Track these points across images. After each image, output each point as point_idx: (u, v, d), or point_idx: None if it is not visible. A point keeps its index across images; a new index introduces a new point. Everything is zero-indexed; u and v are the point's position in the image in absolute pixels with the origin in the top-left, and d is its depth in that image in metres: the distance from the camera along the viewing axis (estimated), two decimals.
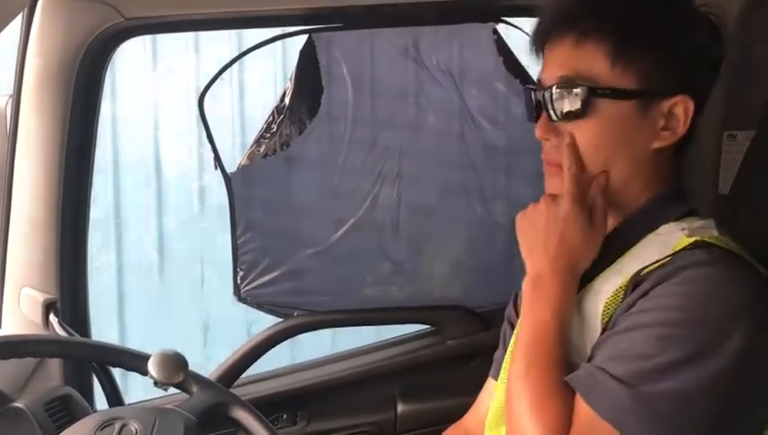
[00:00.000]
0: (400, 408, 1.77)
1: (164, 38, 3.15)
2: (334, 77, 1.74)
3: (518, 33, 1.64)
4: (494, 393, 1.13)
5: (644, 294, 0.87)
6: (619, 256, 0.95)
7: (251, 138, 1.78)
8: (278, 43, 1.73)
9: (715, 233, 0.91)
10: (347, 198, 1.80)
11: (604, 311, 0.91)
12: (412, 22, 1.72)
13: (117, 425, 1.06)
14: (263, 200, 1.80)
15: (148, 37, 3.03)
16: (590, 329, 0.93)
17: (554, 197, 0.97)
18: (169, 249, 3.39)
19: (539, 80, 0.99)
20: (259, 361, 1.78)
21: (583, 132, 0.94)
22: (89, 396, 1.64)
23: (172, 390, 1.19)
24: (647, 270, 0.89)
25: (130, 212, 3.35)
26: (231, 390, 1.35)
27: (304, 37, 1.70)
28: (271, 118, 1.75)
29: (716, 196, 1.32)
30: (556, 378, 0.89)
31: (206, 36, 3.14)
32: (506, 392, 0.94)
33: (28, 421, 1.25)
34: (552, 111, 0.95)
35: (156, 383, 1.16)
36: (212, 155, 1.71)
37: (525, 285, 0.97)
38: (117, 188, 3.31)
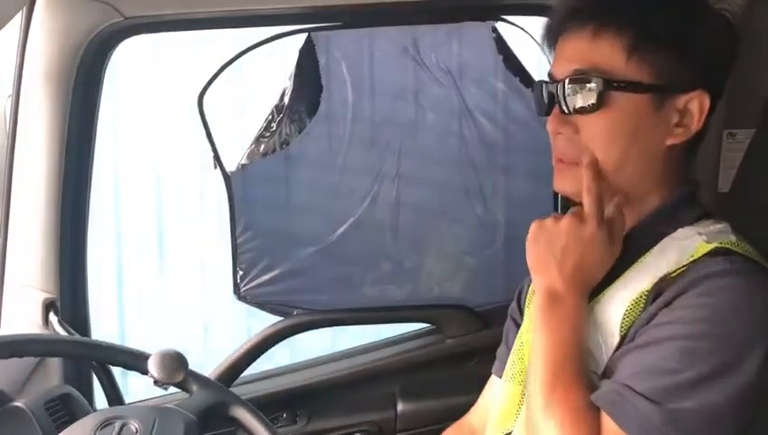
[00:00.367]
0: (400, 407, 1.77)
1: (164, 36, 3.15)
2: (334, 76, 1.74)
3: (517, 32, 1.64)
4: (498, 392, 1.13)
5: (665, 305, 0.85)
6: (635, 260, 0.94)
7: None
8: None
9: (733, 238, 0.91)
10: (346, 196, 1.80)
11: (623, 320, 0.90)
12: (411, 20, 1.72)
13: (117, 424, 1.06)
14: (262, 199, 1.80)
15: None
16: (607, 338, 0.91)
17: (580, 215, 0.94)
18: (169, 249, 3.39)
19: (550, 73, 0.98)
20: (259, 360, 1.78)
21: (597, 126, 0.93)
22: (89, 395, 1.64)
23: (172, 389, 1.19)
24: (667, 279, 0.88)
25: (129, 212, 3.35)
26: (231, 389, 1.35)
27: (304, 36, 1.70)
28: (270, 117, 1.75)
29: (716, 194, 1.32)
30: (582, 397, 0.87)
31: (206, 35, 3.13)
32: (528, 414, 0.92)
33: (28, 421, 1.25)
34: (565, 105, 0.94)
35: (156, 383, 1.16)
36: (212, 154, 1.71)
37: (539, 300, 0.95)
38: (117, 188, 3.31)
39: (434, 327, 1.84)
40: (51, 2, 1.49)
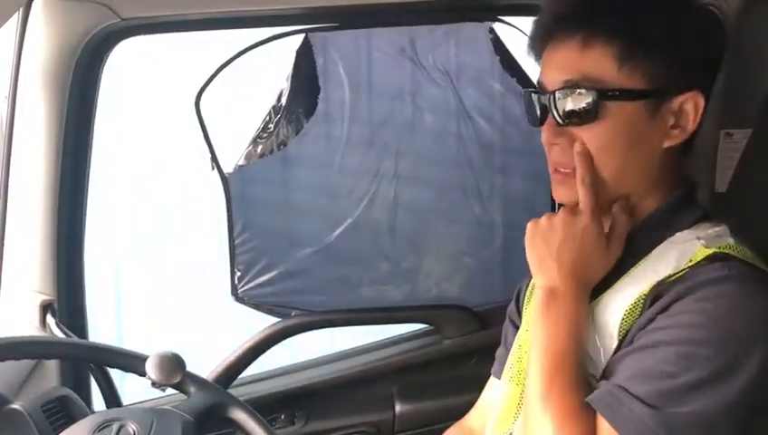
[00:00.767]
0: (398, 407, 1.77)
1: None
2: (331, 77, 1.74)
3: (514, 32, 1.64)
4: (497, 393, 1.13)
5: (663, 310, 0.85)
6: (634, 264, 0.93)
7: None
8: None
9: (732, 241, 0.90)
10: (344, 197, 1.80)
11: (622, 323, 0.89)
12: (409, 21, 1.72)
13: (114, 426, 1.06)
14: (260, 200, 1.80)
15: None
16: (605, 340, 0.91)
17: (573, 210, 0.95)
18: (166, 251, 3.38)
19: (540, 83, 0.97)
20: (257, 361, 1.78)
21: (593, 136, 0.92)
22: (86, 397, 1.64)
23: (170, 390, 1.19)
24: (665, 283, 0.87)
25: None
26: (229, 390, 1.35)
27: (301, 37, 1.70)
28: (268, 118, 1.75)
29: (713, 194, 1.32)
30: (578, 398, 0.87)
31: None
32: (525, 411, 0.92)
33: (25, 423, 1.25)
34: (558, 116, 0.93)
35: (153, 384, 1.16)
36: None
37: (538, 298, 0.95)
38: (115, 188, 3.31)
39: (432, 328, 1.84)
40: (47, 3, 1.49)
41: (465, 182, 1.81)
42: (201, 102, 1.67)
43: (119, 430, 1.06)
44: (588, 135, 0.92)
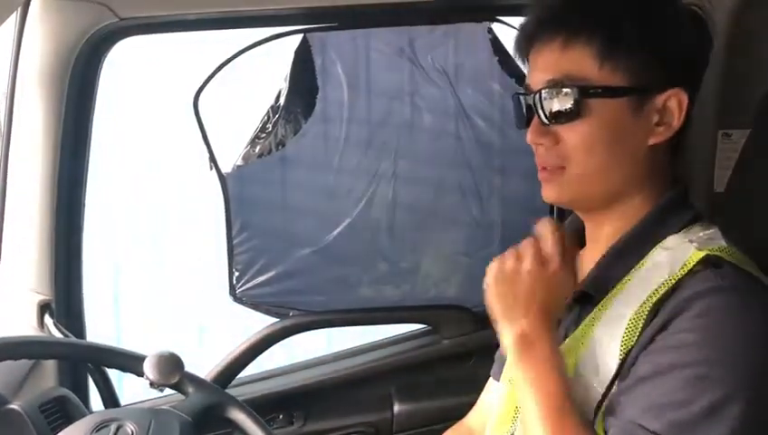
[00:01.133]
0: (397, 407, 1.77)
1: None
2: (329, 77, 1.74)
3: (513, 33, 1.63)
4: (496, 395, 1.13)
5: (662, 328, 0.84)
6: (627, 274, 0.93)
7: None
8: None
9: (724, 243, 0.90)
10: (342, 197, 1.80)
11: (623, 343, 0.87)
12: (407, 21, 1.72)
13: (112, 426, 1.06)
14: (258, 200, 1.79)
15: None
16: (607, 359, 0.89)
17: (540, 257, 0.97)
18: (165, 251, 3.38)
19: (526, 85, 0.98)
20: (255, 361, 1.78)
21: (577, 134, 0.92)
22: (84, 397, 1.63)
23: (168, 390, 1.19)
24: (661, 294, 0.86)
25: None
26: (227, 390, 1.35)
27: (300, 37, 1.70)
28: (266, 118, 1.75)
29: (712, 194, 1.32)
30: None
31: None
32: None
33: (23, 423, 1.25)
34: (543, 115, 0.94)
35: (151, 384, 1.16)
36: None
37: (512, 350, 0.93)
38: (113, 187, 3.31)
39: (431, 328, 1.84)
40: (46, 2, 1.49)
41: (463, 182, 1.81)
42: (199, 102, 1.67)
43: (117, 430, 1.06)
44: (572, 133, 0.93)
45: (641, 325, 0.86)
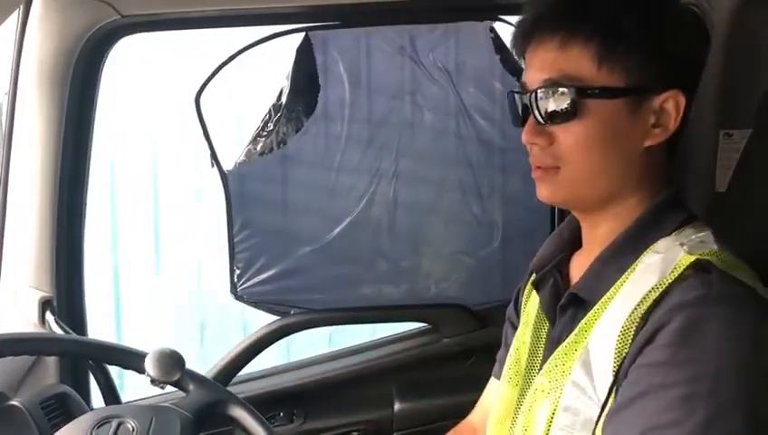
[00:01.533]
0: (397, 406, 1.77)
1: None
2: (331, 75, 1.74)
3: None
4: (496, 394, 1.13)
5: (649, 340, 0.83)
6: (619, 278, 0.92)
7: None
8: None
9: (715, 247, 0.89)
10: (343, 196, 1.80)
11: (616, 354, 0.87)
12: (409, 20, 1.72)
13: (113, 423, 1.06)
14: (259, 198, 1.80)
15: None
16: (601, 369, 0.88)
17: None
18: (166, 248, 3.38)
19: (522, 83, 0.97)
20: (256, 359, 1.78)
21: (573, 134, 0.92)
22: (85, 394, 1.64)
23: (169, 388, 1.19)
24: (650, 301, 0.85)
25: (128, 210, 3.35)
26: (228, 388, 1.35)
27: (301, 35, 1.70)
28: (267, 116, 1.75)
29: (713, 194, 1.32)
30: None
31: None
32: None
33: (24, 420, 1.25)
34: (539, 115, 0.93)
35: (152, 381, 1.16)
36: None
37: None
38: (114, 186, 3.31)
39: (431, 327, 1.84)
40: (48, 0, 1.49)
41: (464, 181, 1.81)
42: (201, 100, 1.67)
43: (117, 426, 1.06)
44: (567, 134, 0.92)
45: (633, 333, 0.85)
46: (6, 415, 1.26)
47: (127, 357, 1.21)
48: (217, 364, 1.76)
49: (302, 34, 1.70)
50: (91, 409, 1.51)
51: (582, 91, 0.90)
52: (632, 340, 0.85)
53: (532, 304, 1.10)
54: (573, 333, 0.93)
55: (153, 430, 1.06)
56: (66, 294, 1.64)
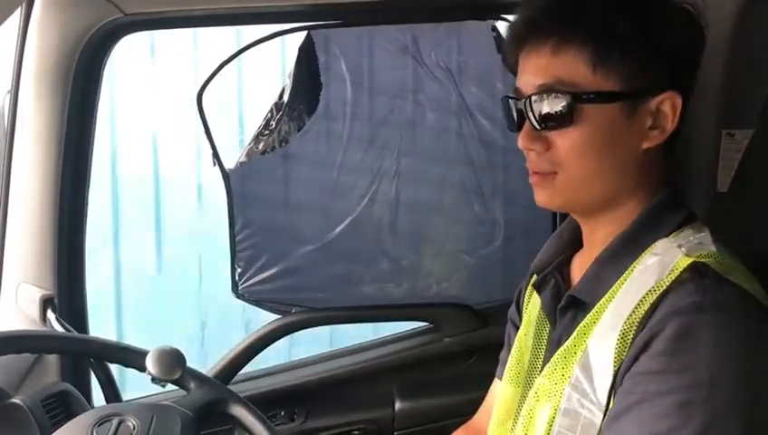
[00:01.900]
0: (398, 405, 1.77)
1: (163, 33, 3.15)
2: (333, 74, 1.74)
3: None
4: (497, 394, 1.12)
5: (645, 347, 0.83)
6: (618, 278, 0.92)
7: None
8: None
9: (713, 249, 0.89)
10: (345, 194, 1.80)
11: (615, 357, 0.86)
12: (411, 19, 1.72)
13: (114, 421, 1.06)
14: (261, 197, 1.80)
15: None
16: (600, 373, 0.88)
17: None
18: (167, 247, 3.38)
19: (517, 88, 0.96)
20: (257, 357, 1.78)
21: (569, 140, 0.91)
22: (86, 392, 1.63)
23: (170, 386, 1.19)
24: (647, 304, 0.85)
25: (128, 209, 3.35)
26: (229, 386, 1.35)
27: (303, 34, 1.70)
28: (269, 115, 1.75)
29: (715, 194, 1.32)
30: None
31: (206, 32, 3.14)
32: None
33: (25, 418, 1.25)
34: (534, 120, 0.92)
35: (153, 379, 1.16)
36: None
37: None
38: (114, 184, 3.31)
39: (432, 326, 1.84)
40: None
41: (466, 180, 1.81)
42: (203, 98, 1.67)
43: (118, 425, 1.06)
44: (564, 139, 0.91)
45: (632, 336, 0.85)
46: (7, 413, 1.26)
47: (128, 355, 1.21)
48: (218, 363, 1.76)
49: (305, 33, 1.70)
50: (92, 407, 1.51)
51: (578, 97, 0.89)
52: (631, 343, 0.85)
53: (533, 304, 1.10)
54: (573, 336, 0.93)
55: (154, 428, 1.06)
56: (67, 292, 1.64)
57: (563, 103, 0.89)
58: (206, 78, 1.66)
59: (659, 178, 0.96)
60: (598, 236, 0.98)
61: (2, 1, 1.24)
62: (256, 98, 3.02)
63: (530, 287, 1.13)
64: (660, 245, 0.91)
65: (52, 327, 1.52)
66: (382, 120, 1.78)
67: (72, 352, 1.44)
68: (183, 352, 1.18)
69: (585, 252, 1.02)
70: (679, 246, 0.89)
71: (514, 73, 0.99)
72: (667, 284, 0.85)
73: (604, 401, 0.87)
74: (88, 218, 1.68)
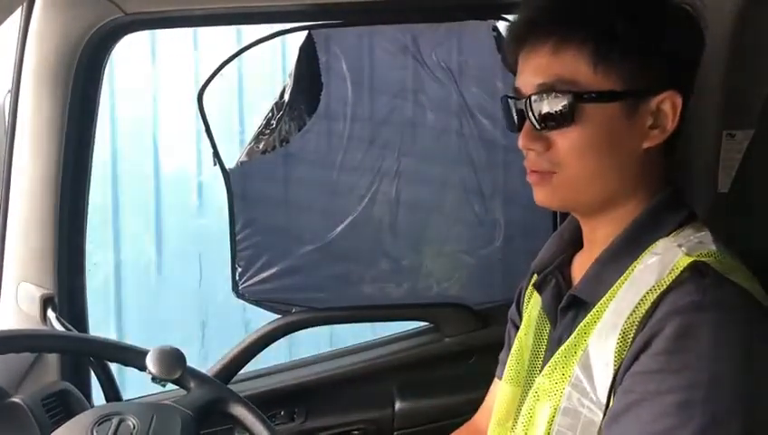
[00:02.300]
0: (398, 405, 1.77)
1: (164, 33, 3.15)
2: (334, 74, 1.74)
3: None
4: (498, 394, 1.12)
5: (645, 346, 0.83)
6: (618, 277, 0.92)
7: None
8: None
9: (713, 248, 0.89)
10: (346, 194, 1.80)
11: (616, 356, 0.86)
12: (412, 19, 1.72)
13: (114, 421, 1.06)
14: (261, 196, 1.80)
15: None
16: (601, 372, 0.88)
17: None
18: (167, 246, 3.39)
19: (516, 88, 0.96)
20: (257, 357, 1.78)
21: (570, 139, 0.91)
22: (86, 392, 1.64)
23: (170, 385, 1.19)
24: (648, 303, 0.85)
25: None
26: (229, 386, 1.35)
27: (304, 33, 1.70)
28: (270, 114, 1.75)
29: (715, 195, 1.32)
30: None
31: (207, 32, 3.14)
32: None
33: (25, 417, 1.26)
34: (534, 120, 0.92)
35: (153, 379, 1.16)
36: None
37: None
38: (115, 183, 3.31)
39: (432, 326, 1.84)
40: None
41: (466, 180, 1.81)
42: (204, 98, 1.67)
43: (118, 424, 1.06)
44: (565, 139, 0.91)
45: (632, 335, 0.85)
46: (7, 412, 1.26)
47: (128, 354, 1.21)
48: (218, 362, 1.76)
49: (305, 33, 1.70)
50: (92, 406, 1.51)
51: (579, 96, 0.89)
52: (631, 342, 0.85)
53: (533, 304, 1.10)
54: (573, 335, 0.93)
55: (154, 427, 1.06)
56: (67, 291, 1.64)
57: (564, 103, 0.89)
58: (206, 77, 1.66)
59: (660, 177, 0.96)
60: (598, 236, 0.98)
61: (2, 0, 1.24)
62: (257, 97, 3.03)
63: (530, 287, 1.13)
64: (661, 244, 0.91)
65: (52, 326, 1.52)
66: (383, 120, 1.78)
67: (72, 351, 1.44)
68: (183, 351, 1.18)
69: (586, 251, 1.02)
70: (680, 246, 0.89)
71: (514, 73, 0.99)
72: (668, 283, 0.85)
73: (604, 400, 0.87)
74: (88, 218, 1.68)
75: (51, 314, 1.54)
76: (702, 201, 1.27)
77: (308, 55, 1.72)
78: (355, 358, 1.84)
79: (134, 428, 1.05)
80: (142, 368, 1.16)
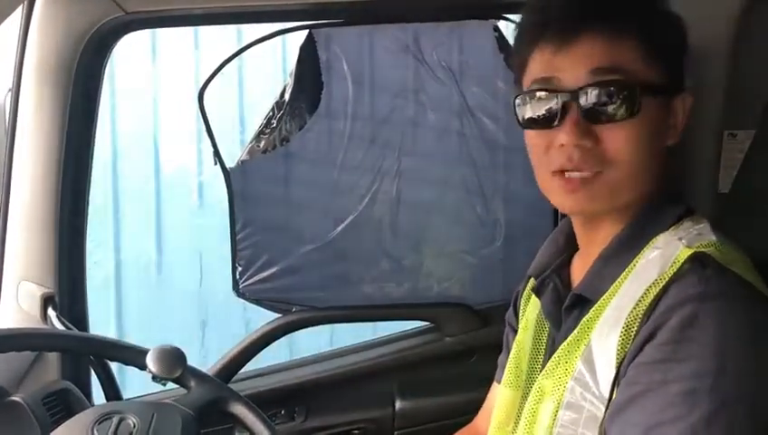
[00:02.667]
0: (398, 404, 1.77)
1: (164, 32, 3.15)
2: (334, 73, 1.74)
3: None
4: (497, 398, 1.12)
5: (649, 338, 0.83)
6: (621, 273, 0.91)
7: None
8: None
9: (713, 238, 0.89)
10: (346, 194, 1.80)
11: (618, 350, 0.86)
12: (413, 18, 1.72)
13: (114, 419, 1.06)
14: (262, 196, 1.80)
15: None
16: (604, 366, 0.88)
17: None
18: (168, 245, 3.39)
19: (549, 78, 0.91)
20: (257, 356, 1.78)
21: (626, 133, 0.88)
22: (87, 390, 1.64)
23: (170, 384, 1.19)
24: (651, 297, 0.85)
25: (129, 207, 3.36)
26: (229, 385, 1.35)
27: (305, 32, 1.70)
28: (271, 113, 1.75)
29: (716, 195, 1.32)
30: None
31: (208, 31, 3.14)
32: None
33: (26, 415, 1.26)
34: (588, 113, 0.88)
35: (154, 378, 1.16)
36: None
37: None
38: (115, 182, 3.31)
39: (433, 325, 1.84)
40: None
41: (467, 180, 1.80)
42: (204, 97, 1.67)
43: (119, 423, 1.06)
44: (620, 132, 0.88)
45: (636, 329, 0.85)
46: (8, 411, 1.27)
47: (128, 353, 1.21)
48: (219, 362, 1.76)
49: (306, 32, 1.70)
50: (93, 405, 1.51)
51: (639, 87, 0.87)
52: (635, 335, 0.85)
53: (531, 308, 1.10)
54: (576, 331, 0.93)
55: (154, 426, 1.06)
56: (68, 290, 1.64)
57: (625, 93, 0.87)
58: (207, 77, 1.66)
59: (665, 177, 0.97)
60: (600, 236, 0.97)
61: (3, 0, 1.24)
62: (257, 97, 3.03)
63: (527, 291, 1.13)
64: (661, 238, 0.91)
65: (52, 325, 1.53)
66: (383, 120, 1.78)
67: (73, 350, 1.44)
68: (183, 350, 1.18)
69: (584, 253, 1.02)
70: (680, 239, 0.90)
71: (519, 72, 0.98)
72: (670, 276, 0.85)
73: (606, 395, 0.87)
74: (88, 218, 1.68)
75: (51, 312, 1.54)
76: (702, 201, 1.27)
77: (309, 54, 1.72)
78: (355, 357, 1.84)
79: (134, 427, 1.05)
80: (143, 367, 1.17)
